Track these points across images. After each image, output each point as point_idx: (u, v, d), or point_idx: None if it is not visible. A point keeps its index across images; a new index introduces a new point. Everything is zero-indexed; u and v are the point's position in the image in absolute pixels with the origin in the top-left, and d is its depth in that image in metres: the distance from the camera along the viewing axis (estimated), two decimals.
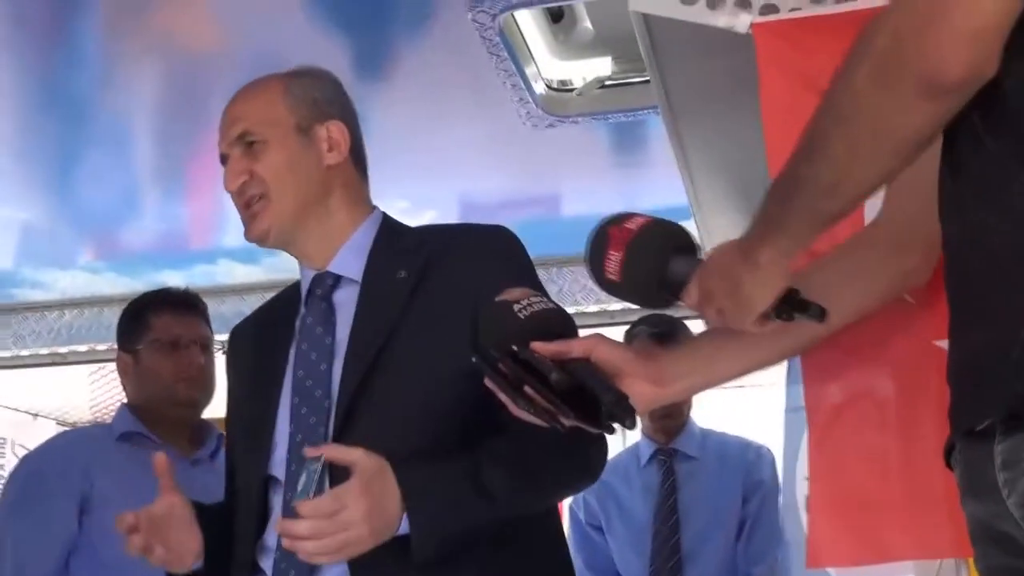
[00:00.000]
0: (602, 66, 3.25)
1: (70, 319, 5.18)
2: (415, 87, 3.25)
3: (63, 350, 5.25)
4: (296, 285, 2.05)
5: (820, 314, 1.38)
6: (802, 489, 2.00)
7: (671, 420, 3.50)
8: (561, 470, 1.84)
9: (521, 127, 3.38)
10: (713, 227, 2.66)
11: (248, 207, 1.95)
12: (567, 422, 1.52)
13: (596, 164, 3.94)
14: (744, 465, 3.53)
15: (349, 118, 2.03)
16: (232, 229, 4.65)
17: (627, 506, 3.54)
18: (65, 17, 3.00)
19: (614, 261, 1.46)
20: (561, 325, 1.60)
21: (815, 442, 1.81)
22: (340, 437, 1.79)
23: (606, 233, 1.49)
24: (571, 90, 3.32)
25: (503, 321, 1.57)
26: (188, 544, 1.87)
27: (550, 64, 3.22)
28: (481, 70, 3.06)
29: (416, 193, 3.98)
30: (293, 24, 2.99)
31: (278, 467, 1.86)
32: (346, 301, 1.94)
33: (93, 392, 6.15)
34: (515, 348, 1.54)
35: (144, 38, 3.12)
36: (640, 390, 1.57)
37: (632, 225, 1.48)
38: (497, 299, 1.61)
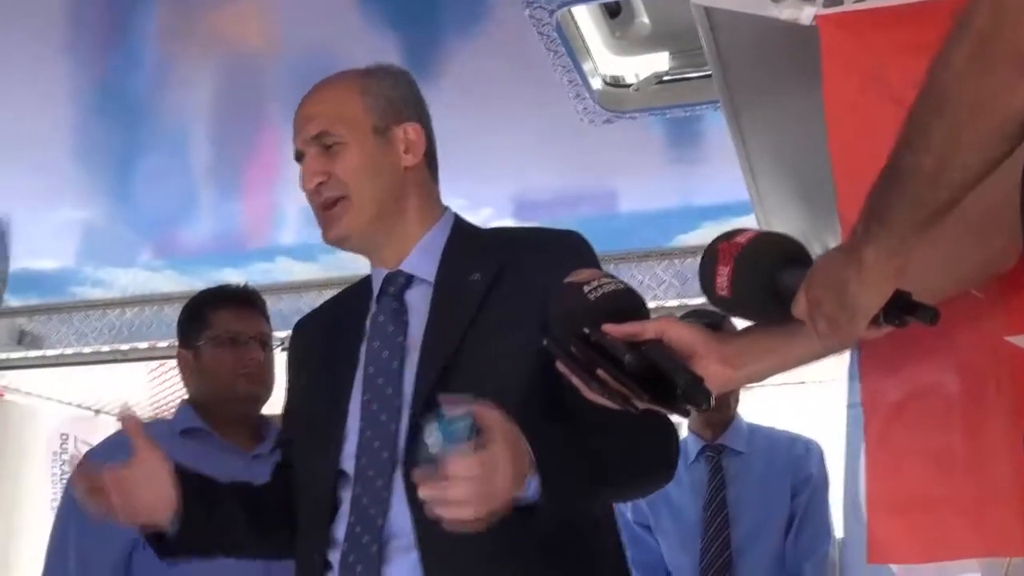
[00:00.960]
0: (659, 61, 3.22)
1: (131, 317, 5.23)
2: (470, 84, 3.24)
3: (124, 347, 5.30)
4: (364, 282, 2.06)
5: (932, 317, 1.34)
6: (863, 486, 1.97)
7: (718, 413, 3.47)
8: (648, 461, 1.84)
9: (577, 123, 3.36)
10: (775, 222, 2.63)
11: (327, 208, 1.94)
12: (641, 405, 1.51)
13: (653, 160, 3.91)
14: (793, 459, 3.50)
15: (424, 118, 2.04)
16: (289, 227, 4.74)
17: (676, 504, 3.52)
18: (122, 19, 3.03)
19: (723, 276, 1.46)
20: (632, 305, 1.58)
21: (874, 439, 1.79)
22: (413, 438, 1.75)
23: (715, 249, 1.49)
24: (628, 85, 3.29)
25: (573, 303, 1.56)
26: (156, 506, 1.88)
27: (607, 59, 3.20)
28: (538, 66, 3.04)
29: (472, 191, 3.96)
30: (346, 23, 3.00)
31: (347, 462, 1.85)
32: (418, 301, 1.94)
33: (153, 388, 6.21)
34: (586, 330, 1.53)
35: (200, 39, 3.14)
36: (714, 371, 1.55)
37: (741, 239, 1.47)
38: (566, 280, 1.59)
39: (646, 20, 3.06)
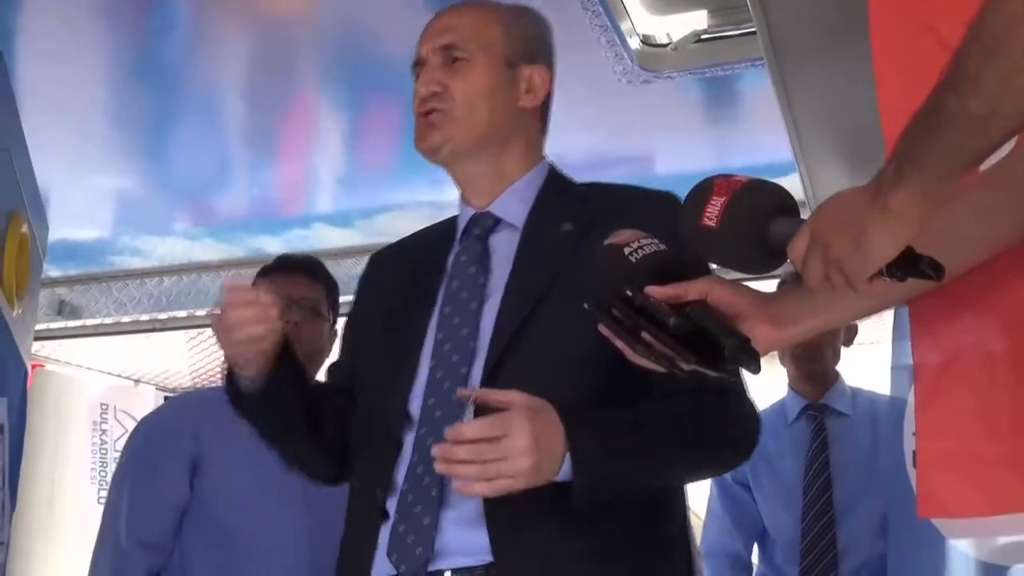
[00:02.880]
0: (697, 20, 3.19)
1: (169, 285, 5.27)
2: None
3: (162, 316, 5.34)
4: (448, 221, 2.02)
5: (938, 274, 1.28)
6: (909, 445, 1.96)
7: (815, 364, 3.43)
8: (721, 438, 1.79)
9: (615, 84, 3.34)
10: (819, 180, 2.61)
11: (425, 116, 1.91)
12: (687, 367, 1.48)
13: (690, 121, 3.89)
14: (896, 423, 3.46)
15: (552, 68, 2.01)
16: (325, 193, 4.75)
17: (776, 463, 3.46)
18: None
19: (715, 206, 1.39)
20: (675, 266, 1.54)
21: (922, 398, 1.76)
22: (488, 381, 1.74)
23: (711, 182, 1.44)
24: (666, 45, 3.26)
25: (615, 265, 1.53)
26: (256, 348, 1.82)
27: (644, 19, 3.18)
28: (575, 26, 3.02)
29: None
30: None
31: (414, 402, 1.81)
32: (503, 245, 1.91)
33: (192, 357, 6.24)
34: (629, 293, 1.51)
35: (235, 4, 3.15)
36: (760, 332, 1.52)
37: (741, 178, 1.43)
38: (607, 242, 1.57)
39: None
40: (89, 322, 5.43)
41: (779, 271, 1.46)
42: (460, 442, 1.59)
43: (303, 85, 3.73)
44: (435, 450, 1.60)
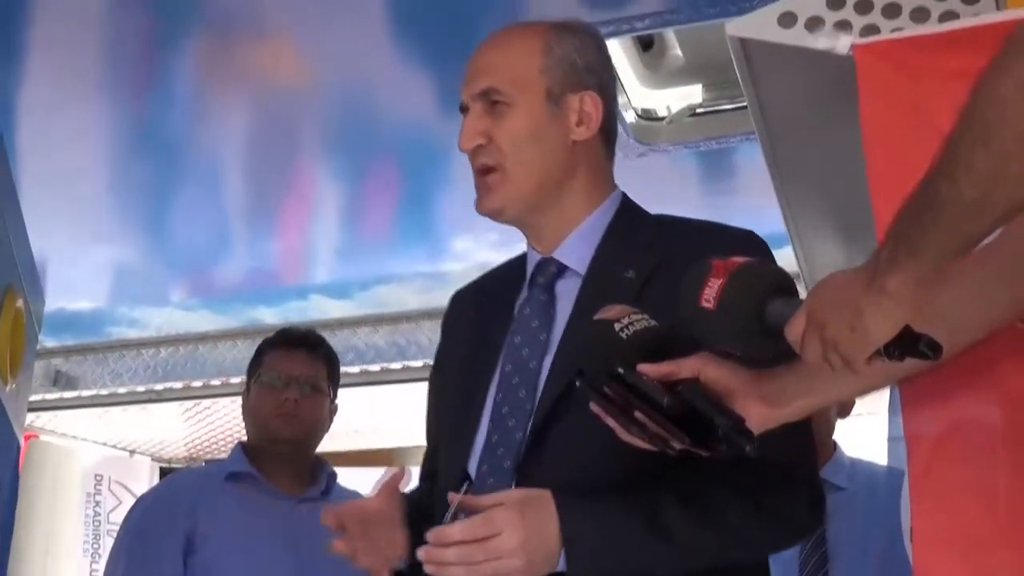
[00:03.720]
0: (693, 93, 3.23)
1: (165, 356, 5.26)
2: None
3: (159, 387, 5.33)
4: (520, 260, 1.92)
5: (936, 353, 1.28)
6: (908, 520, 1.94)
7: None
8: (759, 520, 1.64)
9: None
10: (813, 255, 2.61)
11: (482, 175, 1.82)
12: (679, 447, 1.48)
13: (686, 193, 3.90)
14: (895, 496, 3.42)
15: (607, 87, 1.88)
16: (323, 264, 4.76)
17: None
18: (156, 57, 3.07)
19: (713, 288, 1.41)
20: (667, 343, 1.54)
21: (916, 474, 1.75)
22: (531, 448, 1.68)
23: (708, 264, 1.44)
24: (662, 118, 3.30)
25: (606, 342, 1.52)
26: (394, 544, 1.71)
27: (640, 92, 3.20)
28: None
29: (505, 226, 3.99)
30: (381, 59, 3.02)
31: (472, 465, 1.72)
32: (568, 293, 1.80)
33: (188, 428, 6.23)
34: (621, 371, 1.50)
35: (235, 76, 3.18)
36: (754, 410, 1.51)
37: (739, 259, 1.44)
38: (596, 318, 1.56)
39: (679, 52, 3.08)
40: (85, 393, 5.41)
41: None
42: (446, 544, 1.53)
43: (301, 156, 3.75)
44: (420, 553, 1.54)
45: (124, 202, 3.99)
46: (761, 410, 1.52)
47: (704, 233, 1.85)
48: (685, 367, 1.51)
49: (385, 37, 2.95)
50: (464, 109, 1.84)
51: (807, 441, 1.76)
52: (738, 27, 1.81)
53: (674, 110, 3.26)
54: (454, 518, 1.59)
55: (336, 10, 2.79)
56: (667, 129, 3.28)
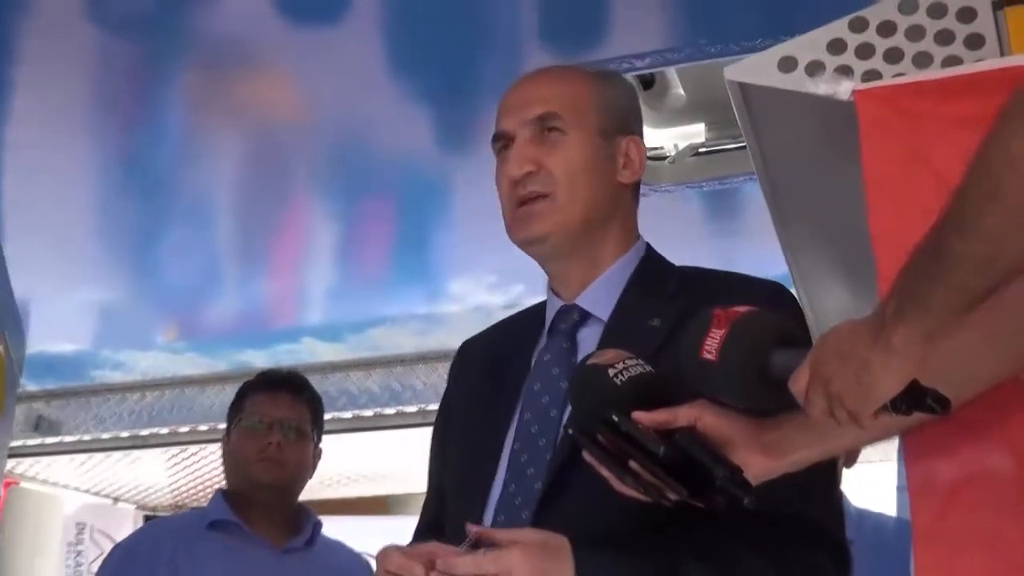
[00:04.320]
0: (695, 133, 3.26)
1: (151, 401, 5.28)
2: None
3: (144, 433, 5.35)
4: (536, 309, 1.95)
5: (944, 407, 1.29)
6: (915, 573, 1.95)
7: None
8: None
9: None
10: (817, 299, 2.64)
11: (523, 204, 1.81)
12: (675, 498, 1.48)
13: (689, 234, 3.91)
14: (905, 549, 3.43)
15: (643, 138, 1.93)
16: (315, 306, 4.77)
17: None
18: (145, 93, 3.08)
19: (715, 339, 1.42)
20: (662, 390, 1.55)
21: (921, 526, 1.76)
22: (550, 498, 1.68)
23: (710, 314, 1.46)
24: (664, 158, 3.32)
25: (599, 388, 1.53)
26: None
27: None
28: None
29: (504, 267, 3.99)
30: (376, 96, 3.04)
31: (488, 516, 1.74)
32: (590, 341, 1.79)
33: (173, 475, 6.22)
34: (615, 418, 1.51)
35: (225, 113, 3.19)
36: (753, 461, 1.51)
37: (741, 309, 1.45)
38: (589, 362, 1.57)
39: (681, 91, 3.10)
40: (67, 438, 5.43)
41: None
42: (453, 575, 1.54)
43: (293, 195, 3.77)
44: None
45: (109, 241, 4.01)
46: (761, 461, 1.52)
47: (731, 285, 1.86)
48: (681, 415, 1.52)
49: (383, 73, 2.96)
50: (502, 139, 1.86)
51: (834, 496, 1.79)
52: (737, 71, 1.85)
53: (677, 149, 3.29)
54: (473, 548, 1.59)
55: (331, 44, 2.82)
56: (670, 169, 3.31)
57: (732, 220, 3.81)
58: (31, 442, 5.42)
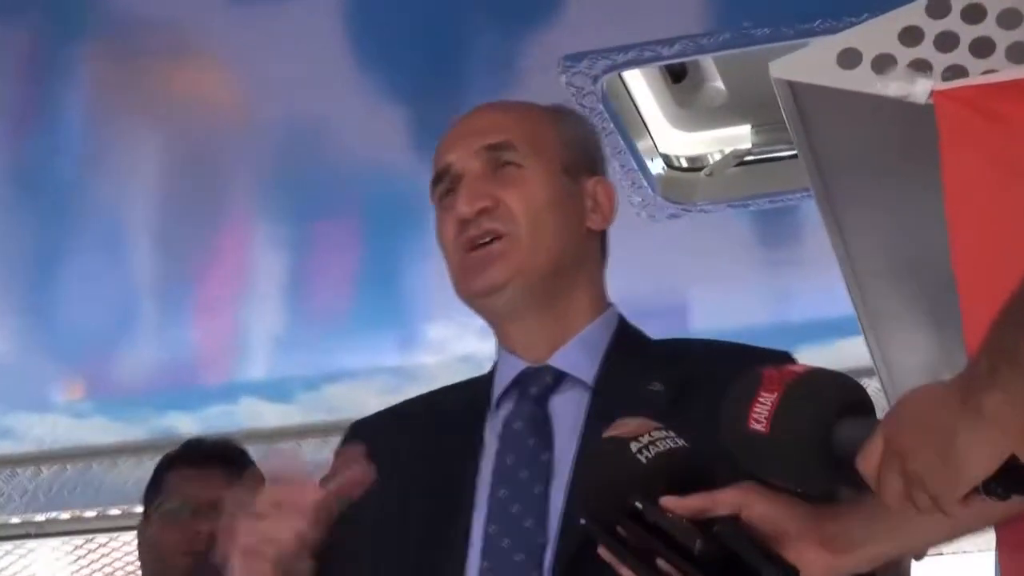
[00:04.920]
0: (739, 137, 3.29)
1: (48, 477, 5.25)
2: None
3: (39, 518, 5.34)
4: (474, 382, 1.99)
5: None
6: None
7: None
8: None
9: (635, 218, 3.41)
10: (890, 345, 2.67)
11: (475, 247, 1.89)
12: None
13: (735, 264, 3.97)
14: None
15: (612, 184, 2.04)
16: (256, 356, 4.77)
17: None
18: (38, 87, 3.11)
19: (765, 405, 1.43)
20: (698, 470, 1.56)
21: None
22: None
23: (759, 374, 1.47)
24: (699, 169, 3.36)
25: (620, 467, 1.54)
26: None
27: (669, 136, 3.27)
28: None
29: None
30: (337, 90, 3.06)
31: None
32: (566, 409, 1.87)
33: (79, 574, 6.20)
34: (639, 506, 1.52)
35: (142, 112, 3.21)
36: (811, 558, 1.53)
37: (797, 368, 1.47)
38: (606, 435, 1.59)
39: (720, 85, 3.12)
40: None
41: None
42: None
43: (230, 216, 3.79)
44: None
45: None
46: (821, 557, 1.54)
47: (735, 352, 1.96)
48: (722, 501, 1.54)
49: (346, 62, 3.00)
50: (445, 178, 1.94)
51: None
52: (786, 67, 1.88)
53: (715, 158, 3.33)
54: None
55: (280, 24, 2.84)
56: (706, 183, 3.35)
57: (787, 247, 3.83)
58: None
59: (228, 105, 3.22)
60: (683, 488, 1.53)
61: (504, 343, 1.97)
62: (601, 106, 2.95)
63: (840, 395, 1.44)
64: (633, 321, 4.29)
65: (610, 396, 1.85)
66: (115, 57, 2.99)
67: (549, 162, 1.93)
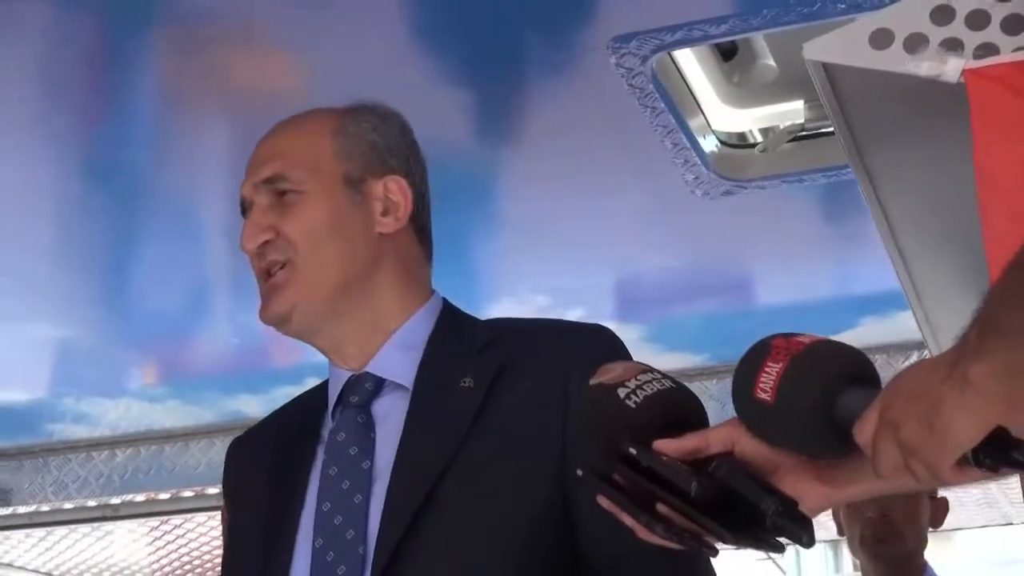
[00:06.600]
0: (792, 112, 3.30)
1: (123, 461, 5.32)
2: (552, 152, 3.35)
3: (115, 501, 5.44)
4: (317, 390, 2.09)
5: None
6: None
7: (885, 546, 3.55)
8: None
9: (689, 196, 3.45)
10: (939, 318, 2.70)
11: (268, 276, 1.98)
12: (723, 545, 1.50)
13: (794, 239, 4.00)
14: None
15: (415, 174, 2.10)
16: None
17: None
18: (108, 79, 3.15)
19: (771, 375, 1.44)
20: (686, 408, 1.57)
21: None
22: None
23: (767, 344, 1.48)
24: (752, 145, 3.39)
25: (609, 414, 1.54)
26: None
27: (722, 113, 3.29)
28: (633, 127, 3.14)
29: (557, 285, 4.11)
30: (397, 76, 3.07)
31: None
32: (390, 413, 1.95)
33: (156, 554, 6.26)
34: (632, 450, 1.51)
35: (210, 101, 3.26)
36: (808, 490, 1.51)
37: (804, 339, 1.47)
38: (594, 382, 1.58)
39: (771, 62, 3.14)
40: (21, 509, 5.51)
41: None
42: None
43: None
44: None
45: (69, 265, 4.09)
46: (818, 490, 1.53)
47: (547, 331, 2.05)
48: (715, 439, 1.52)
49: (405, 47, 3.03)
50: (245, 207, 2.03)
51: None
52: (819, 49, 1.92)
53: (768, 134, 3.36)
54: None
55: (339, 13, 2.88)
56: (759, 159, 3.37)
57: (846, 221, 3.81)
58: None
59: (290, 92, 3.17)
60: (676, 429, 1.53)
61: (326, 356, 2.07)
62: (651, 86, 2.97)
63: (844, 367, 1.44)
64: (692, 297, 4.33)
65: (426, 397, 1.94)
66: (181, 47, 3.02)
67: (326, 179, 2.01)
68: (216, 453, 5.02)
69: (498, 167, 3.58)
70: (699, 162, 3.30)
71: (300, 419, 2.07)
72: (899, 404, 1.34)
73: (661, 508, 1.49)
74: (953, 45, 1.88)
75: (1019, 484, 3.60)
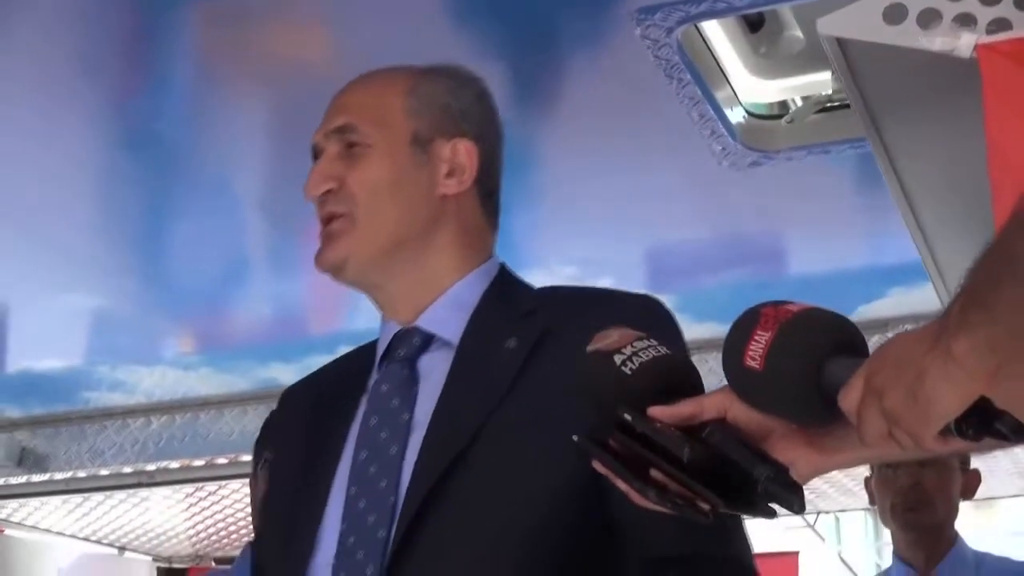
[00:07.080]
0: (819, 83, 3.29)
1: (158, 428, 5.38)
2: (579, 124, 3.38)
3: (150, 467, 5.51)
4: (369, 346, 2.11)
5: (1017, 436, 1.31)
6: None
7: (915, 514, 3.58)
8: None
9: (716, 167, 3.47)
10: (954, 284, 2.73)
11: (327, 224, 2.02)
12: (711, 510, 1.50)
13: (823, 210, 3.99)
14: None
15: (488, 139, 2.12)
16: (362, 307, 4.78)
17: None
18: (146, 48, 3.17)
19: (760, 343, 1.45)
20: (682, 375, 1.59)
21: None
22: (402, 550, 1.81)
23: (757, 312, 1.49)
24: (779, 116, 3.41)
25: (604, 380, 1.57)
26: None
27: (750, 84, 3.30)
28: (660, 99, 3.16)
29: (586, 256, 4.15)
30: (436, 48, 3.10)
31: (320, 573, 1.88)
32: (435, 369, 1.98)
33: (192, 519, 6.40)
34: (627, 416, 1.54)
35: (249, 73, 3.28)
36: (799, 456, 1.53)
37: (793, 307, 1.49)
38: (590, 349, 1.60)
39: (798, 33, 3.14)
40: (59, 476, 5.55)
41: None
42: None
43: None
44: None
45: (106, 234, 4.13)
46: (808, 455, 1.54)
47: (596, 299, 2.05)
48: (709, 405, 1.54)
49: (444, 20, 3.06)
50: (316, 154, 2.07)
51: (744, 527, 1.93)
52: (833, 24, 1.95)
53: (795, 105, 3.37)
54: None
55: None
56: (787, 130, 3.39)
57: (871, 192, 3.78)
58: (14, 480, 5.58)
59: (324, 65, 3.21)
60: (671, 396, 1.55)
61: (379, 309, 2.10)
62: (677, 57, 2.99)
63: (832, 335, 1.46)
64: (722, 267, 4.34)
65: (470, 355, 1.96)
66: (216, 20, 3.05)
67: (393, 136, 2.04)
68: (250, 421, 5.06)
69: (525, 139, 3.53)
70: (726, 133, 3.32)
71: (350, 368, 2.11)
72: (884, 373, 1.36)
73: (655, 474, 1.52)
74: (966, 20, 1.90)
75: None
